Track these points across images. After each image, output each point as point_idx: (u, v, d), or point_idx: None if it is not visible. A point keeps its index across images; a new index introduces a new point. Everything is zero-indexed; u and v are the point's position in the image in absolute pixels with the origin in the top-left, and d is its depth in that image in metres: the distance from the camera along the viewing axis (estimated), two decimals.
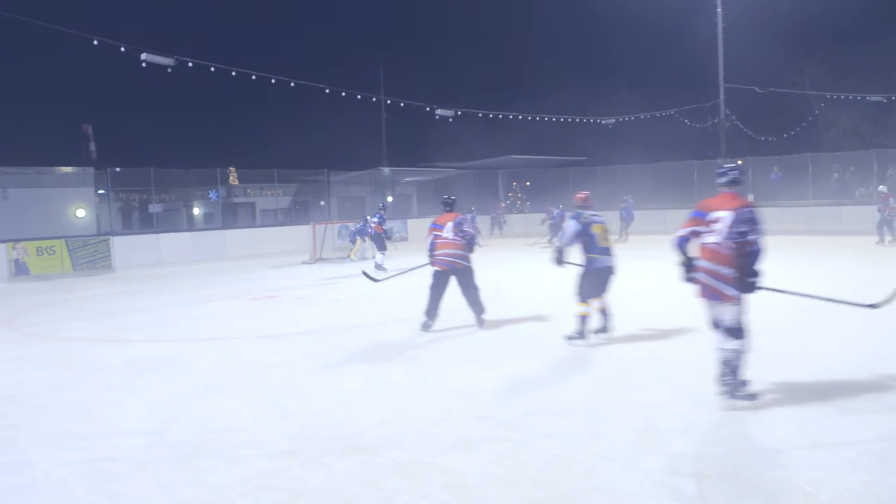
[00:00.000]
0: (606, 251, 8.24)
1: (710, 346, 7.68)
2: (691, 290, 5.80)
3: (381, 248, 17.80)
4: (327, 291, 14.14)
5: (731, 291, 5.50)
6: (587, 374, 6.76)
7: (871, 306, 6.07)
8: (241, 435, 5.32)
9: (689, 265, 5.77)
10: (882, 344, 7.56)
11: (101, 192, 27.83)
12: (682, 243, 5.82)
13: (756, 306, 10.14)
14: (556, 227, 23.79)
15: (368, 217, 21.86)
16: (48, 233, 20.65)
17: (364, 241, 21.12)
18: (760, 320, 9.06)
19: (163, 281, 17.27)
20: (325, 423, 5.51)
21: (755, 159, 32.01)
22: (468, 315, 9.40)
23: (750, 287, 5.56)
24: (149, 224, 30.36)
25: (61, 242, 19.38)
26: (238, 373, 7.34)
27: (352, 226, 21.80)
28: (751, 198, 28.53)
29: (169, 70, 23.75)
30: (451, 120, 33.10)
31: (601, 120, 36.28)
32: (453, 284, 9.12)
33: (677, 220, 27.13)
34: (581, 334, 7.99)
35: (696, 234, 5.72)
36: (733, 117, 34.28)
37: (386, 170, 35.83)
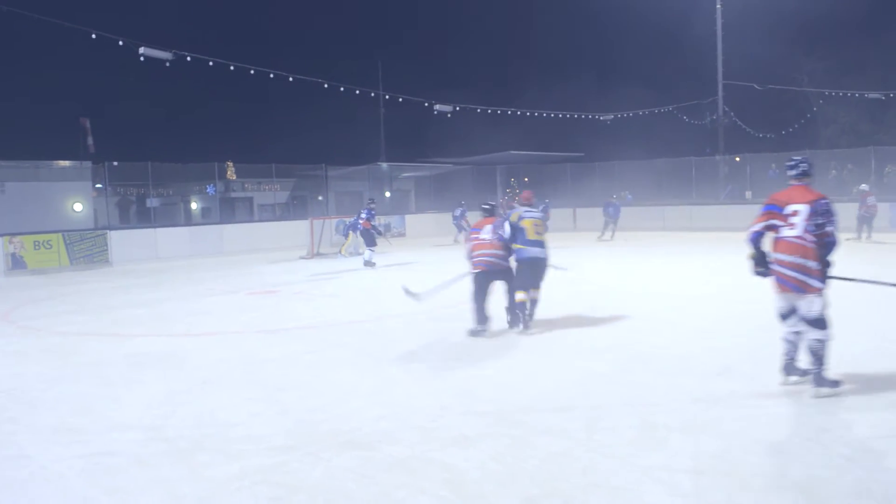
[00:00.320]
0: (536, 243, 8.59)
1: (706, 343, 7.73)
2: (767, 283, 5.95)
3: (370, 244, 17.75)
4: (325, 286, 14.13)
5: (816, 283, 5.62)
6: (585, 370, 6.76)
7: None
8: (239, 430, 5.32)
9: (760, 259, 5.92)
10: (880, 340, 7.57)
11: (98, 186, 27.79)
12: (757, 238, 5.90)
13: (755, 304, 10.17)
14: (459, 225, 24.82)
15: (363, 213, 21.88)
16: (45, 227, 20.62)
17: (357, 235, 21.14)
18: (758, 317, 9.10)
19: (160, 275, 17.26)
20: (322, 419, 5.52)
21: (753, 156, 32.07)
22: (466, 313, 9.42)
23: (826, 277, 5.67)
24: (146, 218, 30.33)
25: (58, 236, 19.36)
26: (236, 368, 7.34)
27: (348, 221, 21.81)
28: (749, 195, 28.58)
29: (167, 64, 23.73)
30: (449, 115, 33.10)
31: (600, 116, 36.32)
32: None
33: (675, 216, 27.38)
34: (515, 321, 8.63)
35: (770, 228, 5.80)
36: (732, 114, 34.35)
37: (384, 165, 35.84)
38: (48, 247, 19.03)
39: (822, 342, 5.65)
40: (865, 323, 8.43)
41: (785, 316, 5.87)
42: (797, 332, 5.82)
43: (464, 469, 4.40)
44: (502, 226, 8.73)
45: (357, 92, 31.88)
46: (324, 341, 8.60)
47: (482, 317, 8.52)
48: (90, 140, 33.64)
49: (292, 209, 37.12)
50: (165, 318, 10.79)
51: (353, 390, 6.31)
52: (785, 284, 5.73)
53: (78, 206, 26.27)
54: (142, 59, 22.97)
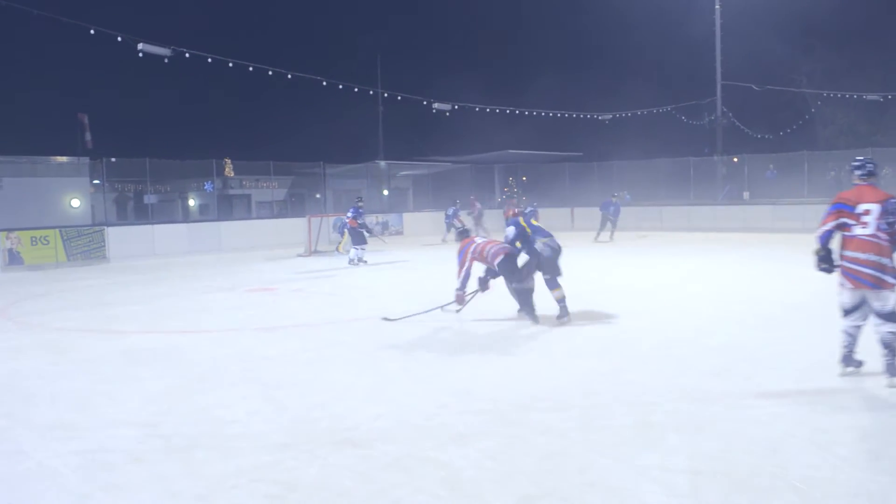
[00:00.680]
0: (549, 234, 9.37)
1: (704, 343, 7.74)
2: (832, 278, 6.07)
3: (357, 242, 17.74)
4: (323, 284, 14.12)
5: (891, 279, 5.78)
6: (582, 369, 6.76)
7: None
8: (236, 427, 5.31)
9: (826, 257, 6.11)
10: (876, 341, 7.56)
11: (96, 182, 27.69)
12: (828, 237, 6.07)
13: (752, 304, 10.18)
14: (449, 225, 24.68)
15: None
16: (43, 223, 20.55)
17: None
18: (755, 317, 9.12)
19: (158, 272, 17.24)
20: (320, 417, 5.51)
21: (751, 157, 32.08)
22: (464, 313, 9.44)
23: None
24: (144, 215, 30.25)
25: (56, 232, 19.32)
26: (233, 365, 7.33)
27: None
28: (746, 195, 28.56)
29: (166, 60, 23.68)
30: (448, 114, 33.08)
31: (598, 115, 36.30)
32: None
33: (673, 216, 27.33)
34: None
35: (841, 226, 5.98)
36: (730, 115, 34.36)
37: (382, 163, 35.80)
38: (45, 243, 19.00)
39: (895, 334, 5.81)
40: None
41: (849, 311, 6.08)
42: (858, 327, 6.06)
43: (461, 467, 4.40)
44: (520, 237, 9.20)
45: (356, 90, 31.89)
46: (321, 339, 8.59)
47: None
48: (88, 136, 33.57)
49: (290, 207, 37.08)
50: (163, 315, 10.77)
51: (350, 388, 6.31)
52: (860, 281, 5.90)
53: (75, 203, 26.20)
54: (140, 55, 22.93)
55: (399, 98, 33.74)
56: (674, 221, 28.53)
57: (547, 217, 28.23)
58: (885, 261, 5.78)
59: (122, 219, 33.64)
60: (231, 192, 37.96)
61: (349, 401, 5.92)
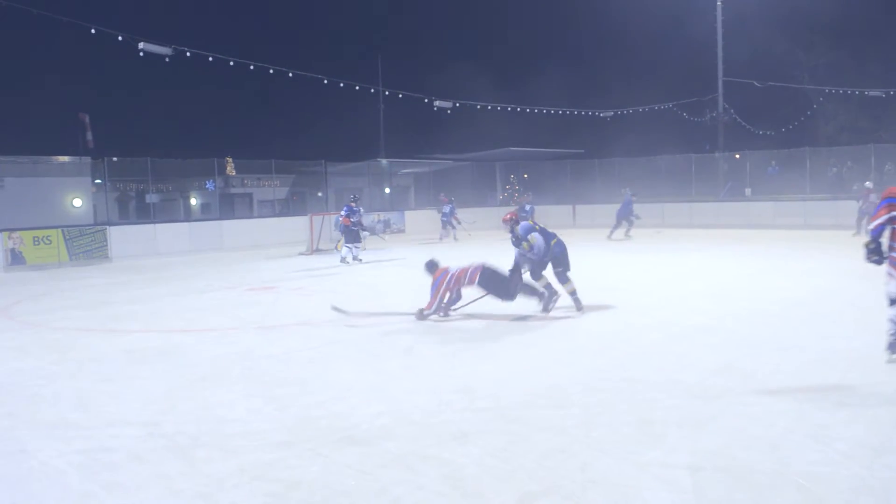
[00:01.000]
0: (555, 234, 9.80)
1: (705, 340, 7.73)
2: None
3: (350, 240, 17.75)
4: (324, 283, 14.12)
5: None
6: (583, 366, 6.76)
7: None
8: (237, 426, 5.32)
9: (877, 249, 6.30)
10: (878, 338, 7.55)
11: (97, 181, 27.74)
12: (880, 231, 6.27)
13: (753, 301, 10.18)
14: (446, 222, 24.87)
15: (361, 209, 21.83)
16: (44, 222, 20.59)
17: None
18: (756, 314, 9.11)
19: (159, 271, 17.26)
20: (321, 415, 5.52)
21: (753, 153, 32.03)
22: (464, 310, 9.43)
23: None
24: (145, 214, 30.32)
25: (58, 232, 19.35)
26: (234, 364, 7.33)
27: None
28: (748, 192, 28.51)
29: (167, 59, 23.70)
30: (449, 112, 33.08)
31: (599, 113, 36.28)
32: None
33: (675, 213, 27.24)
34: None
35: (892, 220, 6.18)
36: (732, 111, 34.28)
37: (383, 161, 35.80)
38: (47, 242, 19.03)
39: None
40: (862, 319, 8.43)
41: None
42: None
43: (462, 465, 4.40)
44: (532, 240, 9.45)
45: (357, 88, 31.90)
46: (322, 337, 8.60)
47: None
48: (89, 135, 33.62)
49: (292, 205, 37.12)
50: (164, 314, 10.79)
51: (351, 386, 6.31)
52: None
53: (77, 202, 26.23)
54: (141, 54, 22.96)
55: (400, 96, 33.75)
56: (675, 218, 28.51)
57: (548, 214, 28.36)
58: None
59: (124, 218, 33.72)
60: (233, 190, 38.02)
61: (350, 399, 5.92)
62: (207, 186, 37.27)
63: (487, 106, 33.88)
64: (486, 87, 48.72)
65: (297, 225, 23.65)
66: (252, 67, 26.38)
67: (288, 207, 36.50)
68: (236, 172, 37.15)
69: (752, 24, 35.88)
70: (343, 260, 17.40)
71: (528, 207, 25.31)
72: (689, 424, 5.01)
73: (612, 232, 23.23)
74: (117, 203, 35.34)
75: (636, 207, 23.30)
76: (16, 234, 18.60)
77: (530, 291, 9.16)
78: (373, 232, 25.81)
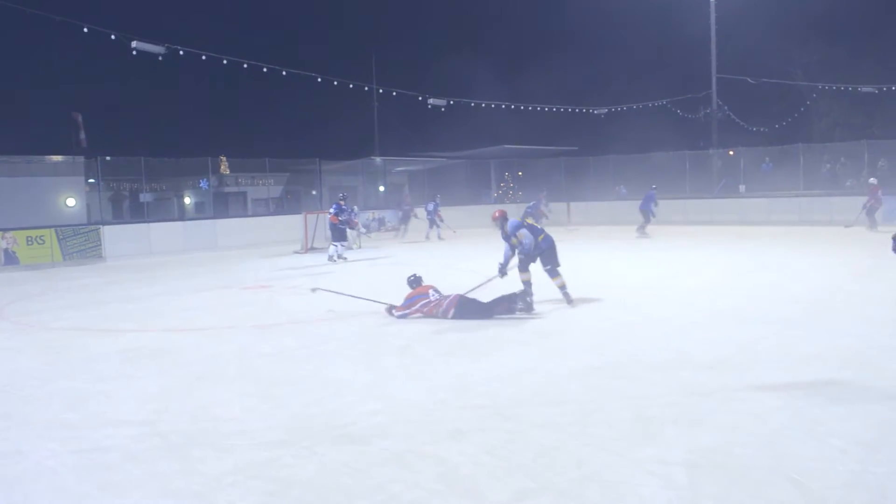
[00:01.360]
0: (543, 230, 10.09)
1: (700, 336, 7.74)
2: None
3: (336, 238, 17.79)
4: (319, 281, 14.10)
5: None
6: (579, 363, 6.77)
7: None
8: (233, 425, 5.31)
9: None
10: (873, 334, 7.59)
11: (91, 181, 27.67)
12: None
13: (747, 297, 10.20)
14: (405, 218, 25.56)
15: (355, 207, 21.85)
16: (38, 222, 20.50)
17: (355, 229, 21.17)
18: (751, 311, 9.13)
19: (154, 271, 17.21)
20: (317, 413, 5.51)
21: (747, 150, 32.09)
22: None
23: None
24: (139, 213, 30.27)
25: (51, 232, 19.28)
26: (230, 363, 7.32)
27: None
28: (742, 189, 28.57)
29: (160, 58, 23.65)
30: (443, 109, 33.08)
31: (594, 110, 36.32)
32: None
33: (669, 210, 27.08)
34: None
35: None
36: (725, 108, 34.37)
37: (378, 159, 35.76)
38: (41, 242, 18.96)
39: None
40: (857, 315, 8.46)
41: None
42: None
43: (458, 463, 4.40)
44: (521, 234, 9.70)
45: (351, 86, 31.85)
46: (318, 336, 8.59)
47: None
48: (82, 135, 33.46)
49: (286, 204, 37.06)
50: (159, 313, 10.76)
51: (347, 385, 6.31)
52: None
53: (71, 202, 26.14)
54: (134, 53, 22.90)
55: (394, 94, 33.75)
56: (670, 215, 28.50)
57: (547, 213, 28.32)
58: None
59: (118, 217, 33.62)
60: (227, 189, 37.94)
61: (346, 397, 5.92)
62: (201, 185, 37.17)
63: (482, 103, 33.93)
64: (480, 85, 48.69)
65: (291, 223, 23.61)
66: (245, 66, 26.36)
67: (282, 206, 36.44)
68: (230, 171, 37.09)
69: (746, 21, 35.96)
70: (330, 258, 17.43)
71: (531, 203, 25.54)
72: (684, 421, 5.02)
73: (641, 229, 22.83)
74: (111, 202, 35.23)
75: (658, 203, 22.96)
76: (9, 234, 18.53)
77: (507, 309, 9.05)
78: (369, 230, 25.83)
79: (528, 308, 8.92)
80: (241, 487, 4.16)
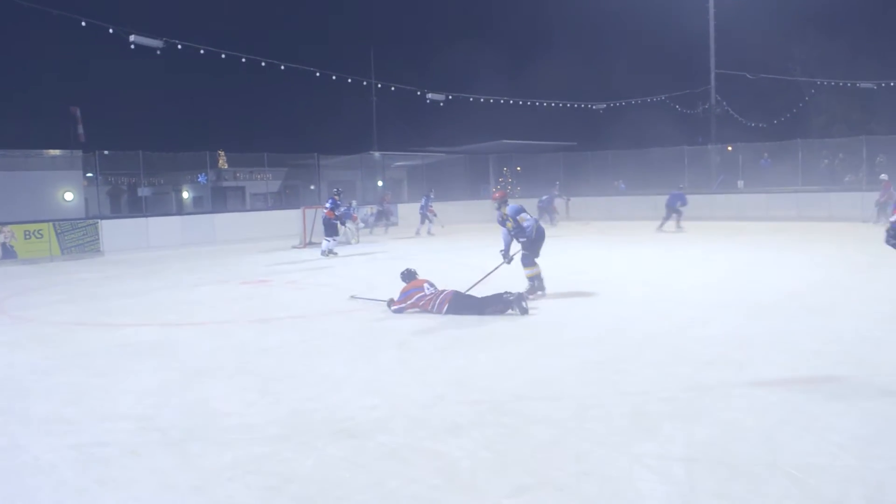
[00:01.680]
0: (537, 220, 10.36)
1: (698, 332, 7.75)
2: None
3: (329, 234, 17.81)
4: (318, 276, 14.11)
5: None
6: (577, 359, 6.77)
7: None
8: (232, 419, 5.31)
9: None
10: (871, 330, 7.60)
11: (89, 175, 27.64)
12: None
13: (745, 293, 10.21)
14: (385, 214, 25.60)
15: (353, 202, 21.83)
16: (36, 216, 20.49)
17: (351, 224, 21.18)
18: (748, 306, 9.14)
19: (152, 265, 17.20)
20: (315, 408, 5.51)
21: (745, 145, 32.11)
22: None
23: None
24: (137, 208, 30.23)
25: (49, 226, 19.26)
26: (228, 357, 7.32)
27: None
28: (741, 184, 28.59)
29: (158, 52, 23.60)
30: (442, 104, 33.04)
31: (592, 105, 36.28)
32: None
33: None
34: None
35: None
36: (724, 103, 34.36)
37: (376, 154, 35.74)
38: (39, 236, 18.94)
39: None
40: (855, 310, 8.47)
41: None
42: None
43: (456, 457, 4.40)
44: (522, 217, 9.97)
45: (349, 80, 31.83)
46: (316, 331, 8.59)
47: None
48: (80, 129, 33.45)
49: (284, 198, 37.02)
50: (157, 308, 10.75)
51: (345, 379, 6.31)
52: None
53: (69, 196, 26.11)
54: (132, 46, 22.85)
55: (392, 88, 33.73)
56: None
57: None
58: None
59: (116, 212, 33.60)
60: (225, 184, 37.93)
61: (345, 392, 5.92)
62: (199, 180, 37.16)
63: (480, 98, 33.90)
64: (479, 80, 48.70)
65: (289, 218, 23.61)
66: (244, 60, 26.30)
67: (280, 200, 36.41)
68: (228, 166, 37.05)
69: (745, 16, 35.91)
70: (323, 253, 17.46)
71: (544, 197, 25.67)
72: (682, 416, 5.03)
73: (661, 224, 22.74)
74: (109, 197, 35.21)
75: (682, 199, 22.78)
76: (7, 229, 18.50)
77: (500, 310, 9.02)
78: (367, 225, 25.83)
79: (523, 311, 8.85)
80: (240, 482, 4.16)
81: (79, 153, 27.47)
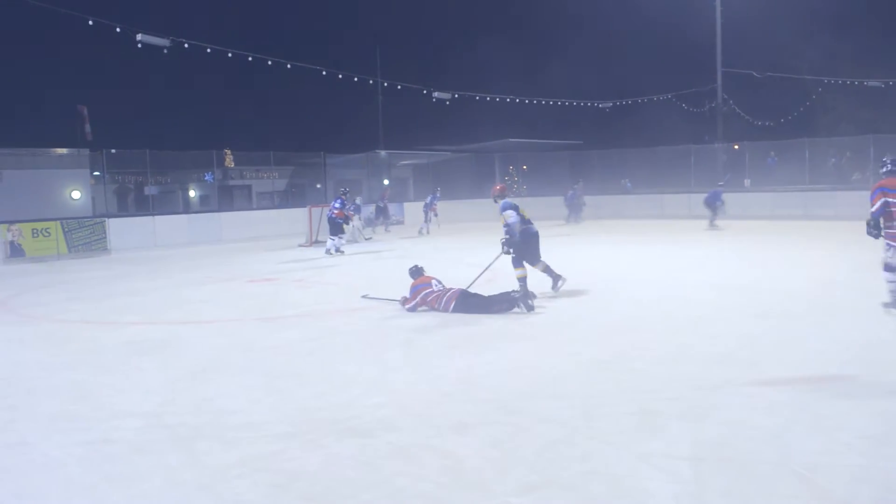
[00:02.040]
0: (531, 222, 10.15)
1: (705, 331, 7.73)
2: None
3: (334, 233, 17.81)
4: (324, 274, 14.13)
5: None
6: (583, 357, 6.77)
7: None
8: (239, 417, 5.32)
9: (876, 225, 7.76)
10: (878, 329, 7.58)
11: (96, 173, 27.69)
12: (880, 213, 7.73)
13: (752, 292, 10.18)
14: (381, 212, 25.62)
15: (357, 199, 21.83)
16: (43, 215, 20.57)
17: (357, 221, 21.19)
18: (755, 305, 9.11)
19: (159, 263, 17.25)
20: (322, 406, 5.52)
21: (752, 144, 32.01)
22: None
23: None
24: (144, 206, 30.27)
25: (57, 224, 19.33)
26: (235, 355, 7.34)
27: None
28: (747, 183, 28.51)
29: (165, 51, 23.62)
30: (448, 103, 33.01)
31: (599, 104, 36.21)
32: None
33: (674, 204, 27.07)
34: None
35: (886, 205, 7.67)
36: (731, 102, 34.21)
37: (382, 152, 35.75)
38: (46, 235, 19.00)
39: None
40: (863, 309, 8.43)
41: (894, 268, 7.79)
42: None
43: (463, 456, 4.40)
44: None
45: (355, 79, 31.85)
46: (323, 329, 8.60)
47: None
48: (88, 127, 33.50)
49: (291, 197, 37.02)
50: (164, 306, 10.78)
51: (352, 378, 6.31)
52: None
53: (76, 194, 26.19)
54: (139, 45, 22.88)
55: (399, 87, 33.70)
56: (674, 209, 28.51)
57: (547, 205, 28.35)
58: None
59: (123, 210, 33.65)
60: (231, 182, 37.94)
61: (351, 390, 5.93)
62: (206, 178, 37.15)
63: (486, 97, 33.84)
64: (485, 79, 48.66)
65: (296, 217, 23.64)
66: (250, 59, 26.33)
67: (287, 199, 36.41)
68: (235, 164, 37.01)
69: (752, 14, 35.74)
70: (328, 252, 17.47)
71: (569, 193, 25.72)
72: (690, 415, 5.01)
73: (712, 222, 22.44)
74: (116, 195, 35.24)
75: (725, 196, 22.58)
76: (15, 227, 18.57)
77: (506, 308, 9.01)
78: (369, 224, 25.82)
79: (529, 308, 8.86)
80: (247, 480, 4.17)
81: (86, 152, 27.52)
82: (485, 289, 9.63)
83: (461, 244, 19.97)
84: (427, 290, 9.23)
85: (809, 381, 5.75)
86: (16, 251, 18.43)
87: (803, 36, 39.35)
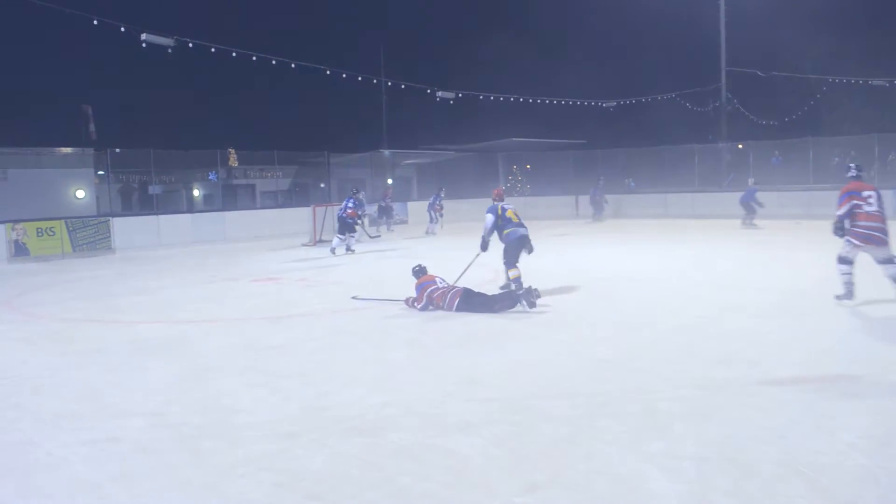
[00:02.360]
0: (520, 225, 10.28)
1: (709, 330, 7.73)
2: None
3: (342, 231, 17.81)
4: (328, 273, 14.13)
5: (889, 239, 8.48)
6: (588, 357, 6.76)
7: None
8: (243, 416, 5.33)
9: (841, 227, 8.59)
10: (883, 329, 7.57)
11: (100, 173, 27.73)
12: (847, 215, 8.53)
13: (756, 291, 10.17)
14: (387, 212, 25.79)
15: (361, 195, 21.83)
16: (48, 214, 20.60)
17: (365, 220, 21.18)
18: (761, 304, 9.10)
19: (163, 262, 17.27)
20: (326, 405, 5.53)
21: (756, 143, 31.94)
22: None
23: None
24: (149, 205, 30.29)
25: (61, 223, 19.36)
26: (239, 354, 7.35)
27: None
28: (751, 182, 28.52)
29: (169, 51, 23.67)
30: (451, 102, 33.03)
31: (602, 103, 36.18)
32: None
33: (678, 203, 27.08)
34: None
35: (854, 207, 8.46)
36: (735, 101, 34.16)
37: (386, 152, 35.75)
38: (51, 234, 19.04)
39: None
40: (867, 309, 8.42)
41: (850, 262, 8.60)
42: (852, 274, 8.61)
43: (467, 455, 4.40)
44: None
45: (359, 79, 31.88)
46: (327, 328, 8.60)
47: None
48: (92, 127, 33.55)
49: (294, 196, 37.05)
50: (168, 305, 10.80)
51: (356, 377, 6.32)
52: (871, 240, 8.43)
53: (80, 193, 26.23)
54: (143, 45, 22.93)
55: (403, 87, 33.72)
56: (678, 209, 28.48)
57: (551, 205, 28.39)
58: (886, 226, 8.46)
59: (127, 209, 33.67)
60: (235, 181, 37.98)
61: (355, 389, 5.93)
62: (210, 177, 37.19)
63: (490, 96, 33.85)
64: (488, 78, 48.61)
65: (299, 216, 23.64)
66: (254, 58, 26.35)
67: (291, 198, 36.43)
68: (239, 163, 37.04)
69: (755, 13, 35.69)
70: (333, 251, 17.47)
71: (592, 191, 25.85)
72: (694, 415, 5.01)
73: (747, 220, 22.23)
74: (120, 194, 35.27)
75: (760, 195, 22.38)
76: (19, 226, 18.60)
77: (509, 306, 9.01)
78: (373, 223, 25.82)
79: (531, 306, 8.87)
80: (251, 479, 4.17)
81: (90, 151, 27.57)
82: (487, 288, 9.64)
83: (465, 244, 19.95)
84: (432, 287, 9.24)
85: (814, 381, 5.74)
86: (20, 250, 18.46)
87: (807, 35, 39.29)
